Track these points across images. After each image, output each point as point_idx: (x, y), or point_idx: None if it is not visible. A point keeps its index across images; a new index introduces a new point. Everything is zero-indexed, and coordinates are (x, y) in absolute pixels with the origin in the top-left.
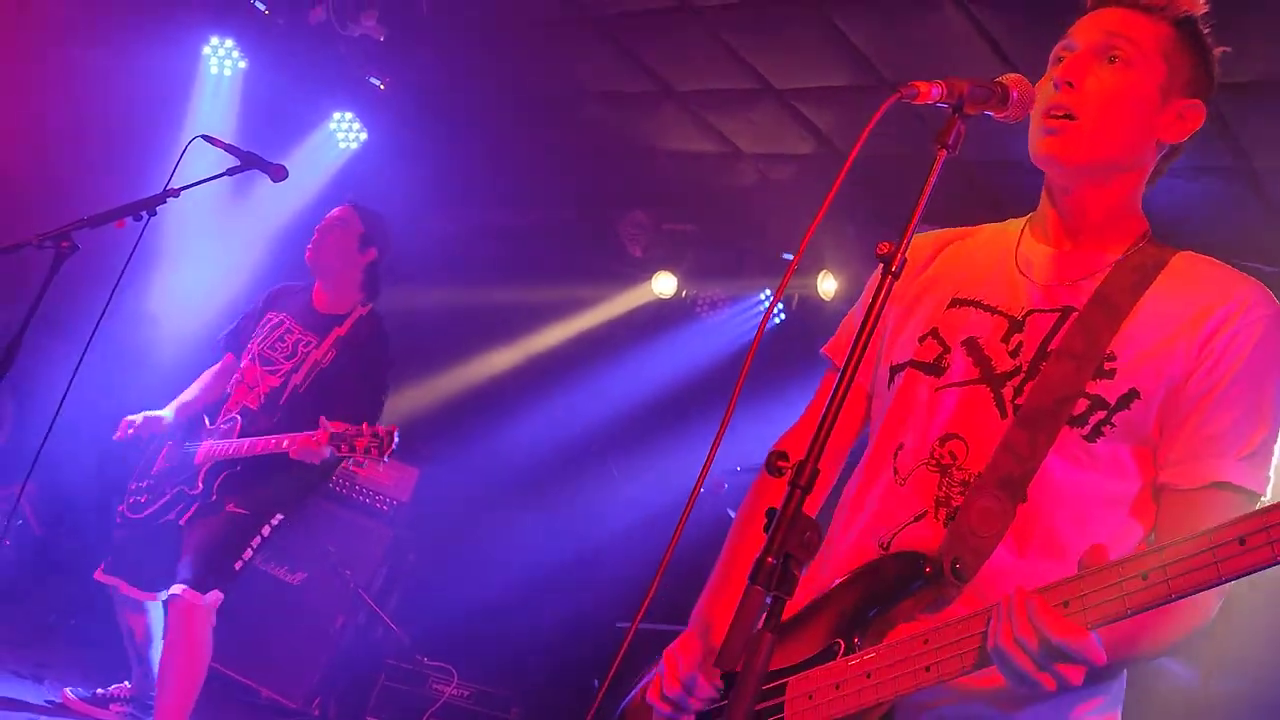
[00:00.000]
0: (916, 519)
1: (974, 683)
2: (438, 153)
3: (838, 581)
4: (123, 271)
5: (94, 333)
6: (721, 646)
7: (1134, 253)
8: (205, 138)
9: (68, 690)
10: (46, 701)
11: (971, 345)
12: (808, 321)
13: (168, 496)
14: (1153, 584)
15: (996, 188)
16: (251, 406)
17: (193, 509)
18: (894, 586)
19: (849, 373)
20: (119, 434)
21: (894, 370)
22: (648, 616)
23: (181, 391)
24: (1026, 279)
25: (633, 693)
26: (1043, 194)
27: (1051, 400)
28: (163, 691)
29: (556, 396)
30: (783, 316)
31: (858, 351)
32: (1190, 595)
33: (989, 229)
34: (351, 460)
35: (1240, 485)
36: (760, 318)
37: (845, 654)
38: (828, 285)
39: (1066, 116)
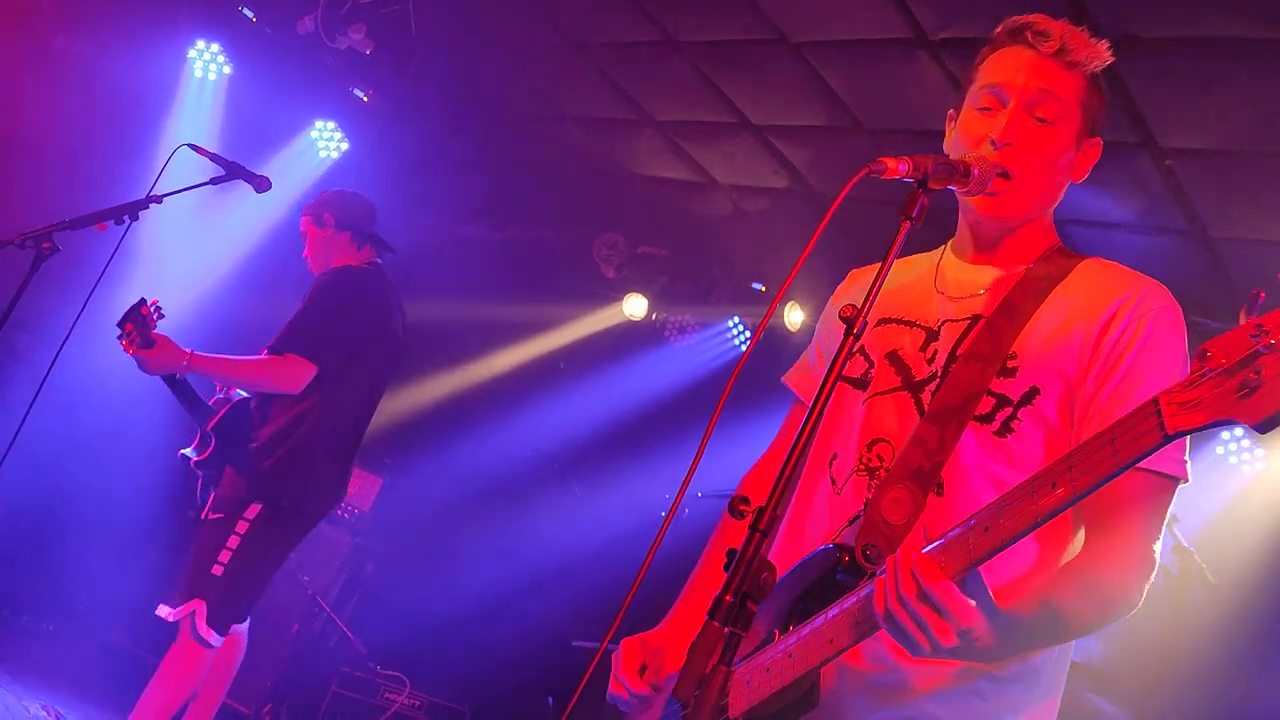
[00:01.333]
0: (851, 522)
1: (870, 645)
2: (417, 166)
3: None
4: (101, 273)
5: (68, 334)
6: (679, 676)
7: (1042, 262)
8: (191, 146)
9: None
10: None
11: (893, 357)
12: (773, 351)
13: (198, 494)
14: (1061, 482)
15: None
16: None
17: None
18: (818, 578)
19: (809, 427)
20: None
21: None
22: (595, 636)
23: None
24: (944, 295)
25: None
26: (961, 217)
27: (959, 399)
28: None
29: (522, 413)
30: (747, 345)
31: (818, 408)
32: (1011, 538)
33: (921, 257)
34: (122, 334)
35: (1150, 469)
36: (726, 344)
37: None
38: (795, 316)
39: (1003, 175)
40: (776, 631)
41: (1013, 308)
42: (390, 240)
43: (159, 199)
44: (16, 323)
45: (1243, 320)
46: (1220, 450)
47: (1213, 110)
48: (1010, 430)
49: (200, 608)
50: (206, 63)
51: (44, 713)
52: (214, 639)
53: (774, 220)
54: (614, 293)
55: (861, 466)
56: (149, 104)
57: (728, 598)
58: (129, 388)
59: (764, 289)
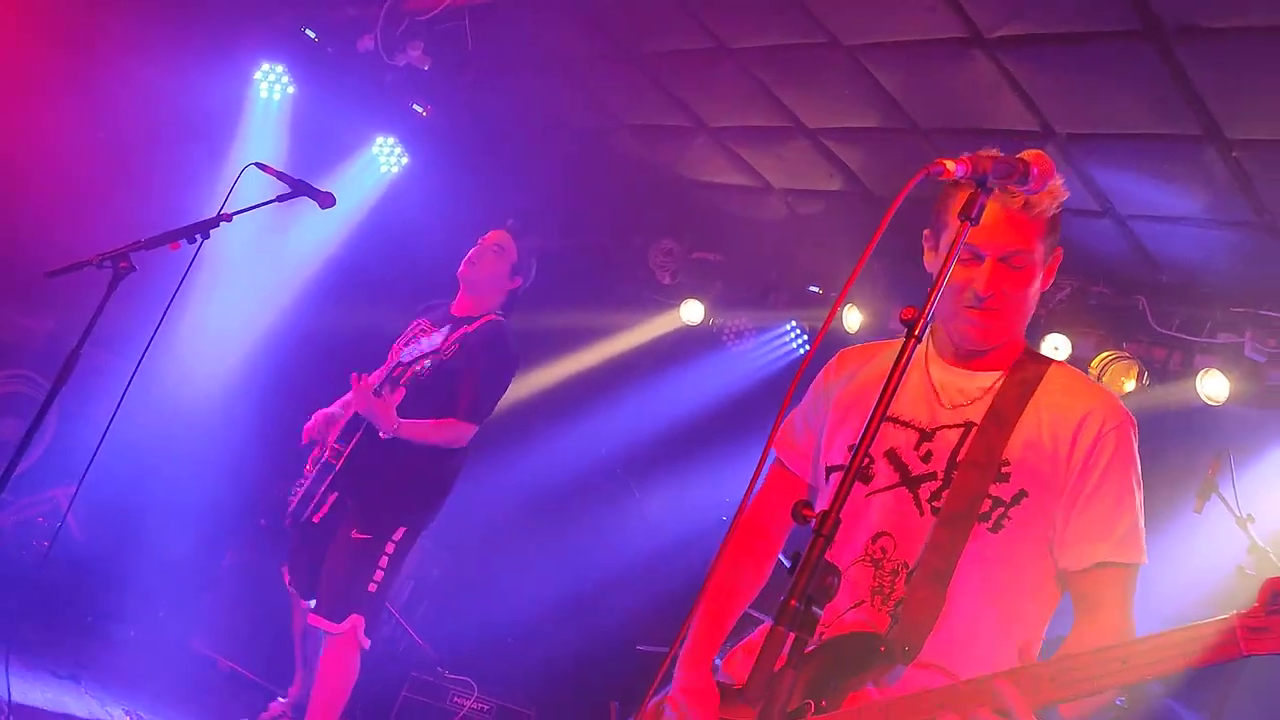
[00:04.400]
0: (854, 606)
1: None
2: (476, 178)
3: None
4: (175, 291)
5: (145, 350)
6: (746, 683)
7: (1017, 368)
8: (258, 165)
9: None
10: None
11: (892, 455)
12: (832, 353)
13: (318, 495)
14: (1131, 668)
15: None
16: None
17: (331, 500)
18: (852, 661)
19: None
20: (306, 437)
21: (829, 470)
22: (659, 640)
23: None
24: (935, 396)
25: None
26: (941, 324)
27: (964, 503)
28: (310, 710)
29: (584, 419)
30: (806, 348)
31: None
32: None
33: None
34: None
35: (1118, 561)
36: (784, 348)
37: (815, 713)
38: (852, 318)
39: (994, 311)
40: (811, 703)
41: (1000, 415)
42: (448, 252)
43: (229, 217)
44: (96, 340)
45: None
46: None
47: (1276, 99)
48: (1001, 526)
49: (360, 622)
50: (271, 83)
51: (127, 718)
52: (367, 644)
53: (829, 223)
54: (670, 299)
55: (866, 557)
56: (216, 125)
57: (793, 602)
58: (205, 401)
59: (820, 291)
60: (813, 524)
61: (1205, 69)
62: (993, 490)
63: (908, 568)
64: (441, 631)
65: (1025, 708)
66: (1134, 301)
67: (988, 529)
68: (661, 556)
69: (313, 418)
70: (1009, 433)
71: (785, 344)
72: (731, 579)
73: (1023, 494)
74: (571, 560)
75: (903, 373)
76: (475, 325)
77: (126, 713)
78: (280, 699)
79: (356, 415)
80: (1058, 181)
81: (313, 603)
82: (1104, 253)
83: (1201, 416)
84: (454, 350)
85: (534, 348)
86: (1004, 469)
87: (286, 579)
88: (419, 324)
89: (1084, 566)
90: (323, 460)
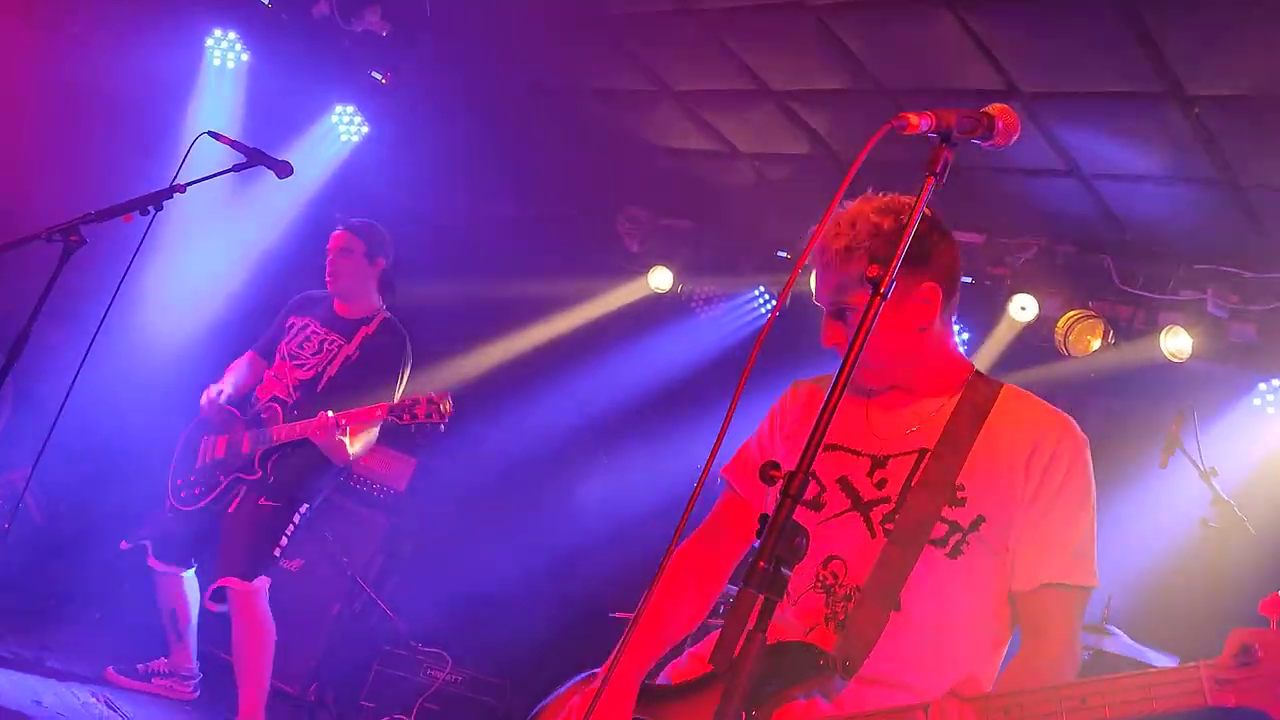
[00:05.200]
0: (808, 632)
1: None
2: (437, 146)
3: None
4: (129, 265)
5: (100, 326)
6: (715, 645)
7: (968, 391)
8: (212, 134)
9: (110, 669)
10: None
11: (843, 482)
12: (800, 317)
13: (224, 484)
14: (1089, 707)
15: (982, 193)
16: (283, 397)
17: (241, 492)
18: (791, 672)
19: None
20: (205, 402)
21: None
22: (632, 607)
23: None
24: (884, 426)
25: (548, 700)
26: None
27: (914, 524)
28: (241, 675)
29: (554, 389)
30: (771, 313)
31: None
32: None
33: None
34: (414, 426)
35: (1066, 582)
36: (753, 313)
37: None
38: None
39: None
40: (744, 714)
41: (954, 440)
42: (413, 221)
43: (182, 188)
44: (48, 315)
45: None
46: (1257, 402)
47: (1239, 56)
48: (960, 552)
49: (266, 584)
50: (224, 51)
51: (93, 699)
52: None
53: (797, 187)
54: (639, 266)
55: (818, 584)
56: (169, 94)
57: (761, 564)
58: (162, 376)
59: (788, 256)
60: (780, 485)
61: (1167, 25)
62: (947, 514)
63: (860, 592)
64: (413, 605)
65: None
66: (1099, 260)
67: (945, 554)
68: (634, 523)
69: (205, 400)
70: (964, 457)
71: (754, 310)
72: (671, 604)
73: (981, 519)
74: (543, 530)
75: (865, 338)
76: (373, 326)
77: (94, 694)
78: (164, 658)
79: (262, 414)
80: (886, 200)
81: (186, 572)
82: (1069, 212)
83: (1166, 373)
84: (359, 354)
85: (503, 317)
86: (959, 493)
87: (151, 558)
88: (296, 322)
89: (1032, 587)
90: (228, 462)
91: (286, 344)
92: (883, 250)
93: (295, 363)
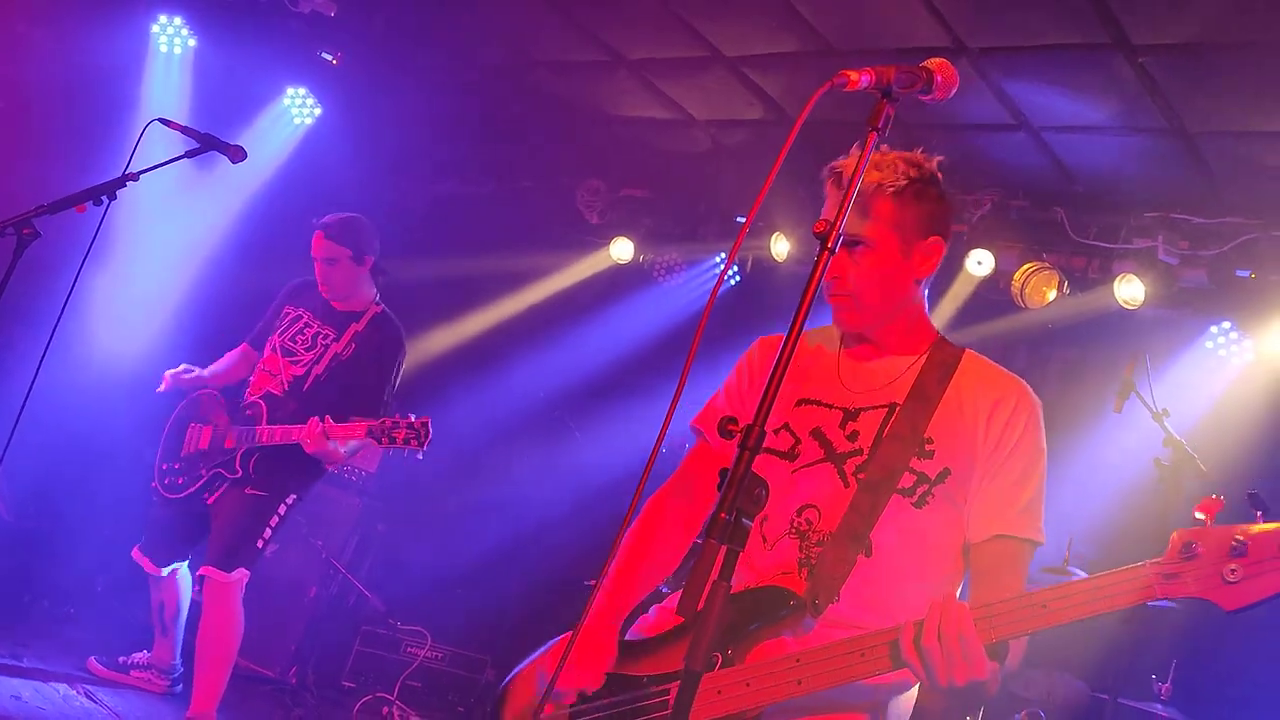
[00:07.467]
0: (782, 575)
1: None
2: (393, 126)
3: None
4: (85, 256)
5: (59, 318)
6: (681, 595)
7: (934, 351)
8: (162, 120)
9: (92, 659)
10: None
11: (818, 433)
12: (762, 283)
13: (205, 478)
14: (1052, 611)
15: (935, 150)
16: (275, 392)
17: (222, 489)
18: (763, 612)
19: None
20: (162, 387)
21: None
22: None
23: (161, 369)
24: (855, 380)
25: (523, 665)
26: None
27: (884, 473)
28: (201, 663)
29: (518, 364)
30: (738, 279)
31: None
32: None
33: (816, 334)
34: (392, 450)
35: (1015, 535)
36: (714, 280)
37: (723, 665)
38: (780, 247)
39: (845, 296)
40: (719, 655)
41: (923, 395)
42: (370, 202)
43: (135, 177)
44: (4, 311)
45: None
46: (1209, 344)
47: (1183, 4)
48: (926, 503)
49: (245, 577)
50: (171, 36)
51: (74, 692)
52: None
53: (754, 152)
54: (599, 238)
55: (792, 530)
56: (117, 82)
57: (723, 515)
58: (122, 371)
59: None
60: (738, 438)
61: None
62: (915, 465)
63: (832, 537)
64: (390, 584)
65: (951, 630)
66: (1052, 214)
67: (912, 504)
68: (604, 493)
69: (188, 378)
70: (932, 411)
71: (715, 277)
72: (644, 554)
73: (946, 472)
74: (514, 503)
75: (816, 290)
76: (363, 323)
77: (73, 687)
78: (145, 651)
79: (248, 411)
80: (898, 164)
81: (166, 570)
82: (1021, 166)
83: (1120, 320)
84: (350, 352)
85: (465, 294)
86: (927, 446)
87: (139, 555)
88: (290, 312)
89: (985, 537)
90: (210, 455)
91: (280, 336)
92: (910, 195)
93: (290, 358)
